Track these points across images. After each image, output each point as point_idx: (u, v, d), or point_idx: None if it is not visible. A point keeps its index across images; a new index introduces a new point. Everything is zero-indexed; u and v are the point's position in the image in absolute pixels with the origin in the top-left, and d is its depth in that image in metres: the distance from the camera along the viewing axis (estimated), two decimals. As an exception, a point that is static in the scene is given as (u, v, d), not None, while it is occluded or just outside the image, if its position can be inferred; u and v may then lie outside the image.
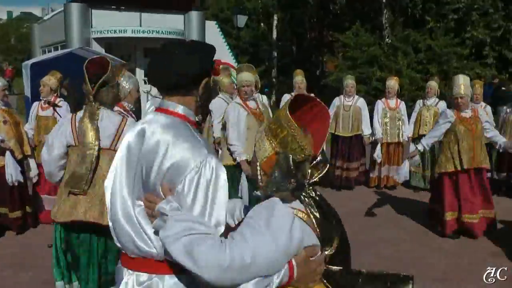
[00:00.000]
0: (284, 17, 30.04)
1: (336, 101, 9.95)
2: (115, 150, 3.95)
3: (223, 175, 2.13)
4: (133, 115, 5.33)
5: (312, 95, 2.16)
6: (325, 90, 22.17)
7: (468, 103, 6.98)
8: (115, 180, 2.33)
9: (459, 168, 6.92)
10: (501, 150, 7.20)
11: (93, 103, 4.06)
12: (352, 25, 23.45)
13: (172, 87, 2.27)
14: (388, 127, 9.72)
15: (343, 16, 27.22)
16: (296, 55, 31.20)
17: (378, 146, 9.62)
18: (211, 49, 2.35)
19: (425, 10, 22.46)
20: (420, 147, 7.27)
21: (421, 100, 10.03)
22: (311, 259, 1.99)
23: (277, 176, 1.96)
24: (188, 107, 2.29)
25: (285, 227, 1.92)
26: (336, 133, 9.86)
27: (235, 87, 8.23)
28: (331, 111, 9.84)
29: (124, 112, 4.99)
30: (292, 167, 1.95)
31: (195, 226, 1.97)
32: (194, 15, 20.51)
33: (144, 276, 2.23)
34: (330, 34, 28.75)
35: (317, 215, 2.01)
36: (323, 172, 2.06)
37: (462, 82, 6.88)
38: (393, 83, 9.89)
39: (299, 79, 9.56)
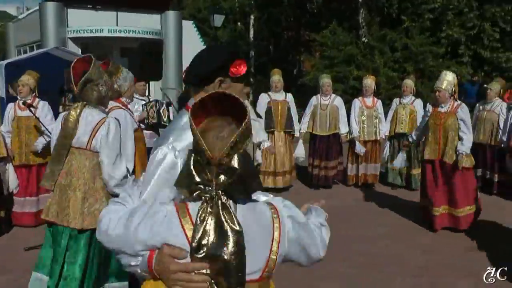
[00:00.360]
0: (261, 16, 30.05)
1: (313, 100, 9.96)
2: (91, 151, 4.06)
3: (167, 162, 2.26)
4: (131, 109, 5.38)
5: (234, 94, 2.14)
6: (302, 90, 22.23)
7: (446, 99, 7.15)
8: None
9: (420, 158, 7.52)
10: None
11: (79, 102, 4.11)
12: (329, 24, 23.54)
13: (190, 85, 2.54)
14: (365, 125, 9.78)
15: (320, 15, 27.31)
16: (273, 55, 31.24)
17: (357, 143, 9.69)
18: (225, 50, 2.47)
19: (401, 10, 22.63)
20: (410, 139, 8.02)
21: (398, 99, 10.12)
22: (174, 259, 1.92)
23: (182, 173, 1.98)
24: None
25: (147, 211, 1.99)
26: (314, 132, 9.89)
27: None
28: (308, 110, 9.90)
29: (122, 107, 5.00)
30: (190, 167, 1.92)
31: (124, 196, 2.25)
32: (171, 14, 20.45)
33: None
34: (307, 34, 28.83)
35: (203, 224, 1.90)
36: (231, 179, 1.90)
37: (445, 78, 7.14)
38: (369, 81, 9.95)
39: (276, 78, 9.57)
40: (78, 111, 4.07)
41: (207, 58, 2.40)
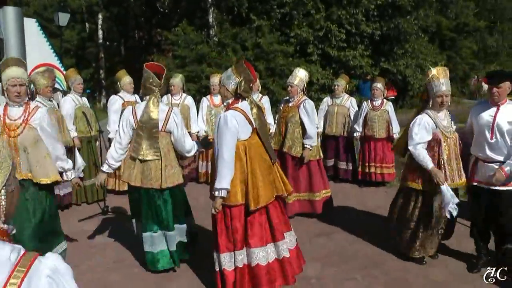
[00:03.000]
0: (110, 15, 29.20)
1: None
2: (165, 132, 5.49)
3: None
4: None
5: None
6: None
7: (297, 94, 7.45)
8: None
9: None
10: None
11: (153, 95, 5.44)
12: (179, 23, 23.43)
13: None
14: (213, 123, 9.73)
15: (171, 14, 27.10)
16: (125, 56, 30.55)
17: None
18: None
19: (250, 9, 23.07)
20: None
21: (246, 97, 10.18)
22: None
23: None
24: None
25: None
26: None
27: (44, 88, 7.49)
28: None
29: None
30: None
31: None
32: (9, 11, 19.00)
33: None
34: (158, 33, 28.52)
35: None
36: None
37: (298, 74, 7.51)
38: (216, 79, 9.79)
39: (127, 80, 9.30)
40: (156, 103, 5.42)
41: None
